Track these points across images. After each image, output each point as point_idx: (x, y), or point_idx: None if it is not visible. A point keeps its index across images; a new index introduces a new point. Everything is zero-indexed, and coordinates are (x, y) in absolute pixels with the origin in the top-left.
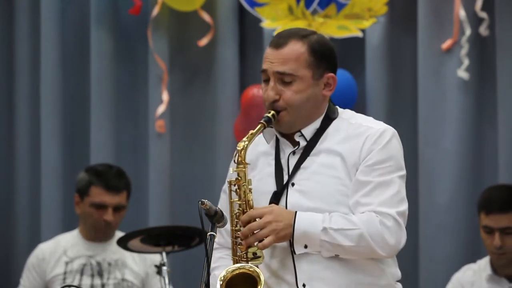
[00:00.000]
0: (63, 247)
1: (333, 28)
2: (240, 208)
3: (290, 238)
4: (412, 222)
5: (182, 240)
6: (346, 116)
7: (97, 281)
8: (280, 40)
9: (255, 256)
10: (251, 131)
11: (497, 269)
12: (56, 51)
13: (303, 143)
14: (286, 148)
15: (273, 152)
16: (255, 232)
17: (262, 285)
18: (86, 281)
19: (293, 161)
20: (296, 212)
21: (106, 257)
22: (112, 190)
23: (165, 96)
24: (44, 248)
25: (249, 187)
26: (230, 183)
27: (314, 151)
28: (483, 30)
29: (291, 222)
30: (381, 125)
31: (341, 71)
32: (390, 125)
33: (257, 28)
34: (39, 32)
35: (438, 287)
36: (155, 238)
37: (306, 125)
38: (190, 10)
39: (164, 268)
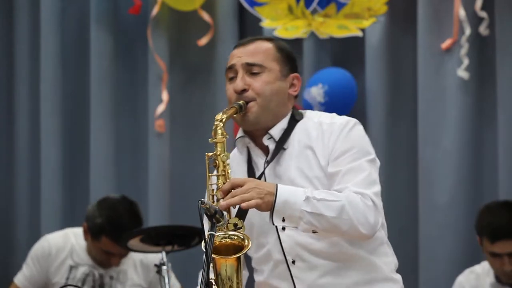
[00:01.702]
0: (70, 247)
1: (333, 27)
2: (219, 181)
3: (271, 207)
4: (412, 222)
5: (182, 239)
6: (310, 116)
7: None
8: (246, 40)
9: (236, 228)
10: (225, 109)
11: (500, 277)
12: (56, 51)
13: (272, 146)
14: (259, 158)
15: (245, 165)
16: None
17: (249, 247)
18: None
19: (268, 171)
20: (277, 184)
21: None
22: (124, 242)
23: (165, 96)
24: (51, 241)
25: (227, 161)
26: (207, 156)
27: (286, 155)
28: (483, 29)
29: (273, 191)
30: (343, 118)
31: (341, 71)
32: (390, 125)
33: (257, 27)
34: (39, 32)
35: (438, 287)
36: (155, 237)
37: (272, 123)
38: (190, 9)
39: (164, 267)
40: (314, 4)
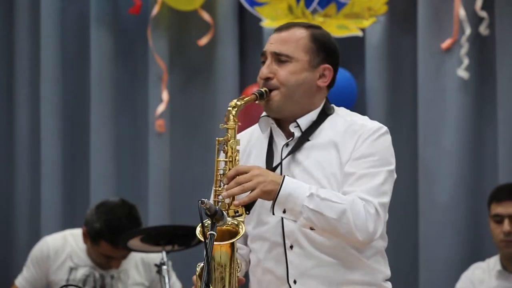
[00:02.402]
0: (69, 249)
1: (333, 27)
2: (226, 166)
3: (274, 197)
4: (412, 221)
5: (182, 239)
6: (342, 113)
7: None
8: (284, 25)
9: (237, 215)
10: (242, 96)
11: (507, 266)
12: (56, 51)
13: (297, 134)
14: (279, 140)
15: (266, 144)
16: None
17: (241, 234)
18: None
19: (286, 153)
20: (285, 175)
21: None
22: (123, 246)
23: (165, 96)
24: (50, 244)
25: (237, 147)
26: (218, 140)
27: (309, 145)
28: (483, 29)
29: (278, 181)
30: (375, 124)
31: (341, 71)
32: (390, 125)
33: (257, 27)
34: (39, 32)
35: (438, 287)
36: (155, 237)
37: (300, 113)
38: (190, 9)
39: (164, 267)
40: (314, 4)
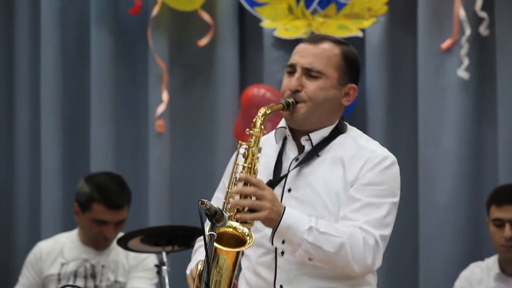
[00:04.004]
0: (60, 247)
1: (333, 27)
2: (243, 171)
3: (274, 226)
4: (412, 222)
5: (182, 240)
6: (354, 134)
7: (90, 283)
8: (316, 38)
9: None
10: (271, 104)
11: (505, 269)
12: (56, 51)
13: (308, 147)
14: (291, 152)
15: (276, 154)
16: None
17: (250, 244)
18: (80, 283)
19: (294, 170)
20: (285, 206)
21: (101, 260)
22: (115, 207)
23: (165, 96)
24: (42, 247)
25: (258, 155)
26: (240, 144)
27: (318, 160)
28: (483, 29)
29: (280, 213)
30: (384, 151)
31: None
32: (390, 125)
33: (257, 28)
34: (39, 32)
35: (438, 287)
36: (155, 238)
37: (316, 128)
38: (190, 10)
39: (164, 268)
40: (314, 4)
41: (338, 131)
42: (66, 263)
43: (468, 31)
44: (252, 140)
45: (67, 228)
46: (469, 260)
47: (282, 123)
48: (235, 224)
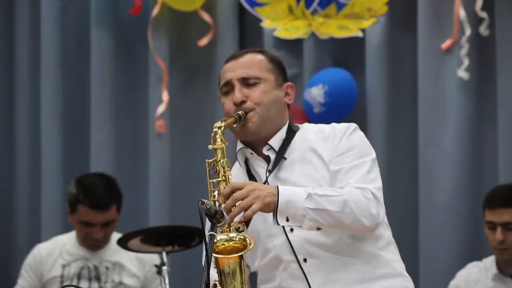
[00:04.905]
0: (60, 249)
1: (333, 28)
2: (220, 186)
3: (273, 208)
4: (412, 221)
5: (182, 240)
6: (308, 127)
7: (95, 285)
8: (236, 53)
9: (238, 231)
10: (224, 118)
11: (503, 269)
12: (56, 51)
13: (272, 156)
14: (259, 168)
15: (244, 175)
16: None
17: (251, 246)
18: (84, 285)
19: (271, 179)
20: (277, 185)
21: (104, 261)
22: (99, 208)
23: (165, 96)
24: (41, 249)
25: (227, 166)
26: (207, 163)
27: (288, 162)
28: (483, 30)
29: (274, 192)
30: (343, 124)
31: (341, 71)
32: (390, 125)
33: (257, 28)
34: (39, 32)
35: (438, 287)
36: (155, 238)
37: (271, 133)
38: (190, 10)
39: (164, 268)
40: (314, 5)
41: (292, 130)
42: (67, 265)
43: (468, 31)
44: (218, 154)
45: (67, 228)
46: (469, 260)
47: (239, 145)
48: (231, 234)
